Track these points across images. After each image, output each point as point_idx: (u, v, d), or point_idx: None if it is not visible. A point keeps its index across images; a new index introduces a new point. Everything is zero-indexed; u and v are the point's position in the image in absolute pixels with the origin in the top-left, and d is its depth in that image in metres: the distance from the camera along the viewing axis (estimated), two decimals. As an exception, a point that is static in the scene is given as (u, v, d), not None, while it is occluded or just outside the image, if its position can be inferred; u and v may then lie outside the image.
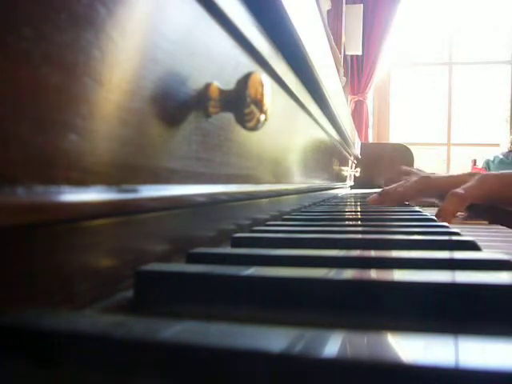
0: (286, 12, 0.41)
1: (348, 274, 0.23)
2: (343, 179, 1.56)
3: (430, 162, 4.41)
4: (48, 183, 0.17)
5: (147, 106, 0.24)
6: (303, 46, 0.51)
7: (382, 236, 0.40)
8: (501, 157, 3.64)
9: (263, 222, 0.52)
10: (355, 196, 1.44)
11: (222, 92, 0.30)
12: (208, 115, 0.31)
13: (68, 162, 0.18)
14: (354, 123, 2.10)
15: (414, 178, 0.74)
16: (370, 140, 4.24)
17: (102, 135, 0.21)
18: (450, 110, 4.47)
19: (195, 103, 0.29)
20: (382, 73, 4.22)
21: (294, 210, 0.71)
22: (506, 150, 3.65)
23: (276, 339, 0.14)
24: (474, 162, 3.79)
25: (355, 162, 2.08)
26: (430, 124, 4.61)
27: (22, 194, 0.16)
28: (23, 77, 0.16)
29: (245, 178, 0.43)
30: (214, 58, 0.33)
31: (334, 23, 2.80)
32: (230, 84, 0.31)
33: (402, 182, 0.76)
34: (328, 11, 2.62)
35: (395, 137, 4.47)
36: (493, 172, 0.68)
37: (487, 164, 3.70)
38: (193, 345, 0.14)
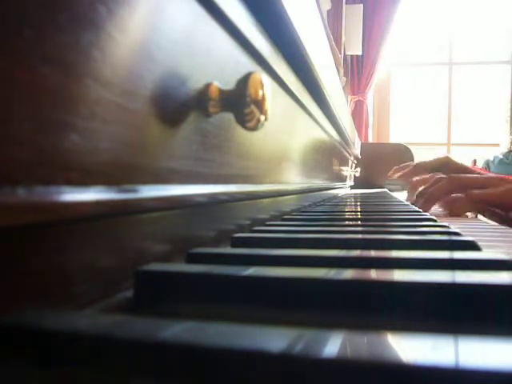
0: (286, 12, 0.41)
1: (348, 274, 0.23)
2: (343, 179, 1.56)
3: (429, 162, 4.39)
4: (48, 183, 0.17)
5: (147, 106, 0.24)
6: (303, 45, 0.51)
7: (382, 236, 0.40)
8: (501, 157, 3.64)
9: (263, 222, 0.52)
10: (355, 196, 1.44)
11: (222, 92, 0.30)
12: (208, 115, 0.31)
13: (68, 162, 0.18)
14: (354, 123, 2.10)
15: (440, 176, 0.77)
16: (370, 140, 4.24)
17: (102, 135, 0.21)
18: (450, 110, 4.47)
19: (195, 103, 0.29)
20: (382, 73, 4.23)
21: (293, 210, 0.71)
22: (506, 150, 3.65)
23: (276, 339, 0.14)
24: (474, 162, 3.79)
25: (355, 162, 2.08)
26: (430, 124, 4.61)
27: (22, 194, 0.16)
28: (23, 77, 0.16)
29: (245, 177, 0.43)
30: (213, 58, 0.33)
31: (333, 23, 2.80)
32: (230, 84, 0.31)
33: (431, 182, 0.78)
34: (328, 11, 2.62)
35: (395, 137, 4.47)
36: None
37: (487, 164, 3.70)
38: (193, 345, 0.14)
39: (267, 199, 0.55)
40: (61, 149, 0.18)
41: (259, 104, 0.29)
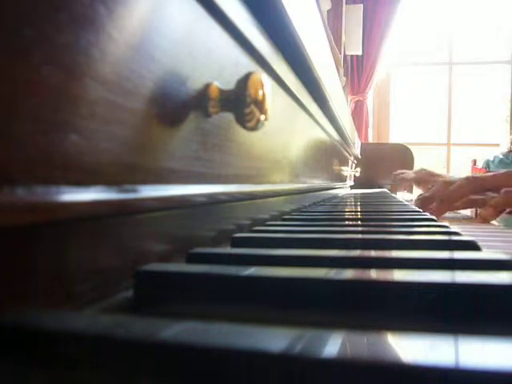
0: (286, 12, 0.41)
1: (348, 274, 0.23)
2: (343, 179, 1.56)
3: (429, 162, 4.41)
4: (48, 183, 0.17)
5: (147, 106, 0.24)
6: (303, 46, 0.51)
7: (382, 236, 0.40)
8: (501, 157, 3.63)
9: (263, 222, 0.52)
10: (355, 196, 1.44)
11: (222, 92, 0.30)
12: (208, 115, 0.31)
13: (68, 162, 0.18)
14: (354, 123, 2.10)
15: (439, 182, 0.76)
16: (370, 140, 4.23)
17: (102, 135, 0.21)
18: (450, 110, 4.47)
19: (195, 103, 0.29)
20: (382, 73, 4.22)
21: (293, 210, 0.71)
22: (506, 150, 3.64)
23: (276, 339, 0.14)
24: (474, 161, 3.79)
25: (355, 161, 2.08)
26: (430, 124, 4.61)
27: (22, 194, 0.16)
28: (23, 77, 0.16)
29: (245, 177, 0.43)
30: (213, 58, 0.33)
31: (334, 23, 2.80)
32: (230, 84, 0.31)
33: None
34: (328, 11, 2.62)
35: (395, 137, 4.47)
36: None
37: (487, 164, 3.69)
38: (193, 345, 0.14)
39: (267, 199, 0.55)
40: (61, 149, 0.18)
41: (259, 104, 0.29)
